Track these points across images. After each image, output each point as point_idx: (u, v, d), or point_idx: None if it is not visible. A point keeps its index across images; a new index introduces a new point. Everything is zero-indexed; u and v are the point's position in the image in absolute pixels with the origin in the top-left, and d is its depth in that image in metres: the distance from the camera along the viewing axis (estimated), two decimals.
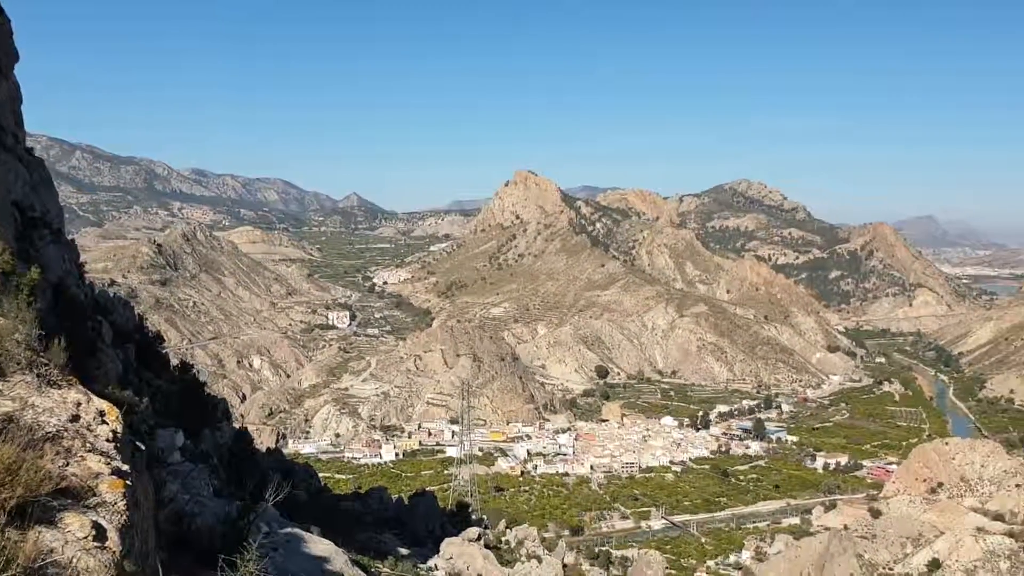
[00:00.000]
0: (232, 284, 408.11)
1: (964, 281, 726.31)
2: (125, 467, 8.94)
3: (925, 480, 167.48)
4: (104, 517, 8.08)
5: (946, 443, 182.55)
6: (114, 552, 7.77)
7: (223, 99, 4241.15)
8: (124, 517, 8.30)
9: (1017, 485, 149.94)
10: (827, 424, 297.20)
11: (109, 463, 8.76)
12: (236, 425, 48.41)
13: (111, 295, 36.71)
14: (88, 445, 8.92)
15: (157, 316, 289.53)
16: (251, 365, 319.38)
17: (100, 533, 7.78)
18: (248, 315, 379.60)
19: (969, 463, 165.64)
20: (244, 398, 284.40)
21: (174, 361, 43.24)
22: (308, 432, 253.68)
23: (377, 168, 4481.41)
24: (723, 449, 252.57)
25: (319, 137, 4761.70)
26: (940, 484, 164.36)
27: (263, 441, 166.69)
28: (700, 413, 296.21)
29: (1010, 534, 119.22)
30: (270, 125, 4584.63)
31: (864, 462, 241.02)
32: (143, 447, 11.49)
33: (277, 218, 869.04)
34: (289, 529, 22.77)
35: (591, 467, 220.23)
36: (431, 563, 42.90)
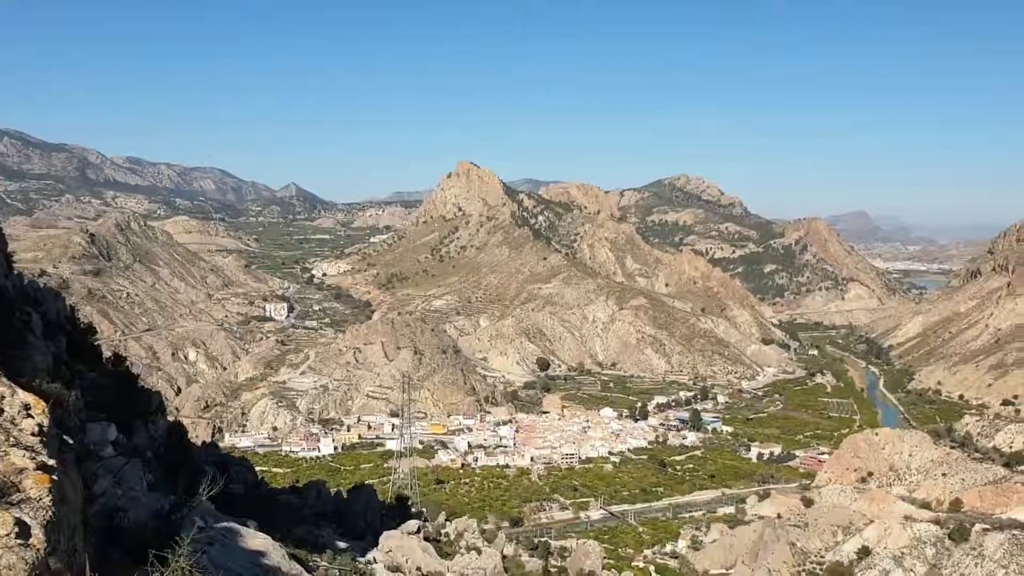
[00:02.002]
0: (167, 275, 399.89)
1: (895, 276, 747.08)
2: (51, 462, 8.72)
3: (856, 469, 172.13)
4: (28, 513, 7.87)
5: (876, 434, 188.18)
6: (39, 549, 7.58)
7: (159, 86, 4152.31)
8: (50, 513, 8.10)
9: (943, 474, 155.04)
10: (761, 415, 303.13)
11: (34, 458, 8.54)
12: (171, 419, 47.48)
13: (41, 285, 35.63)
14: (12, 439, 8.68)
15: (89, 307, 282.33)
16: (186, 357, 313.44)
17: (24, 530, 7.59)
18: (183, 306, 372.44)
19: (898, 453, 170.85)
20: (179, 391, 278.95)
21: (107, 353, 42.15)
22: (245, 426, 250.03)
23: (317, 158, 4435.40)
24: (660, 440, 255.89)
25: (257, 126, 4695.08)
26: (870, 473, 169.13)
27: (198, 435, 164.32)
28: (638, 404, 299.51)
29: (936, 521, 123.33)
30: (207, 114, 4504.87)
31: (797, 452, 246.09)
32: (71, 441, 11.20)
33: (214, 208, 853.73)
34: (225, 524, 22.39)
35: (531, 459, 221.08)
36: (370, 556, 42.66)
